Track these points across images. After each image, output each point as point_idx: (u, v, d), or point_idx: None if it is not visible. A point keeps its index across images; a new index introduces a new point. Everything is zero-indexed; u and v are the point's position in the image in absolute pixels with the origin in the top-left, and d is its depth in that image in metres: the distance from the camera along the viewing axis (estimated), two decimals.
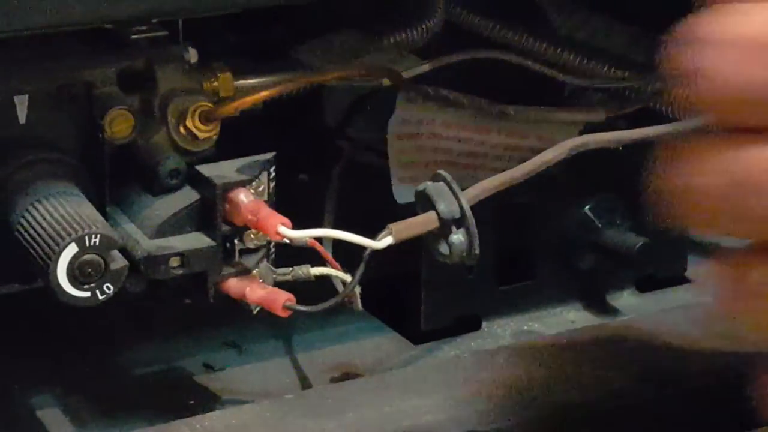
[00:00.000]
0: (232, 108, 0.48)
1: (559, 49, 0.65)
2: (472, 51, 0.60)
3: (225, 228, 0.47)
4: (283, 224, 0.45)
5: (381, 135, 0.58)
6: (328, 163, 0.60)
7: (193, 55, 0.51)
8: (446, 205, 0.44)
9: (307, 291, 0.48)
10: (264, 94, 0.48)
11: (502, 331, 0.59)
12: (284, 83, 0.50)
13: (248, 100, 0.48)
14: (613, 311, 0.61)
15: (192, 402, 0.52)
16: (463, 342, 0.58)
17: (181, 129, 0.48)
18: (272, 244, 0.49)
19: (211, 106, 0.48)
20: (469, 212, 0.44)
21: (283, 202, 0.49)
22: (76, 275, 0.44)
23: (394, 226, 0.44)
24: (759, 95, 0.36)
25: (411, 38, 0.64)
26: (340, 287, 0.47)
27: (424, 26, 0.64)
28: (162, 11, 0.47)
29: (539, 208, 0.60)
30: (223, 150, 0.50)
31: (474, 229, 0.44)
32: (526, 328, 0.60)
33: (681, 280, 0.63)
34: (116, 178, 0.48)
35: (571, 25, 0.69)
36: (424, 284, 0.57)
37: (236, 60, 0.54)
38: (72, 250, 0.44)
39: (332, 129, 0.61)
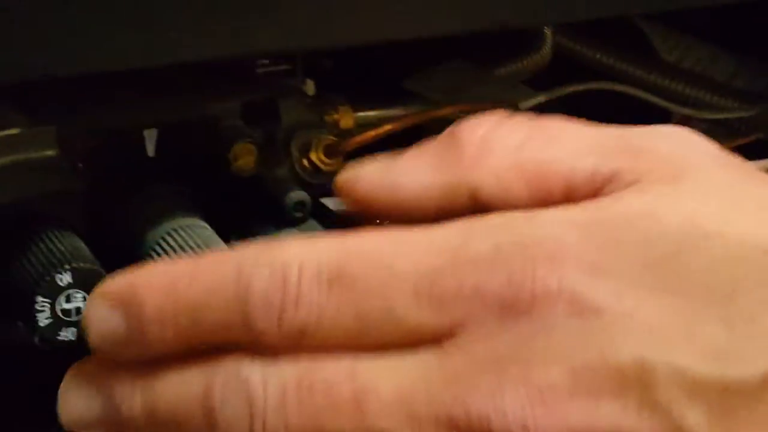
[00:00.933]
0: (355, 142, 0.49)
1: (666, 78, 0.65)
2: (586, 82, 0.60)
3: None
4: None
5: None
6: None
7: (310, 87, 0.52)
8: None
9: None
10: (387, 128, 0.49)
11: None
12: (408, 118, 0.50)
13: (371, 135, 0.49)
14: None
15: None
16: None
17: (305, 162, 0.49)
18: None
19: (335, 139, 0.49)
20: None
21: None
22: None
23: None
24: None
25: (520, 69, 0.64)
26: None
27: (533, 57, 0.64)
28: (289, 47, 0.47)
29: None
30: None
31: None
32: None
33: None
34: (240, 211, 0.49)
35: (677, 53, 0.69)
36: None
37: (349, 91, 0.55)
38: None
39: None
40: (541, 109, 0.59)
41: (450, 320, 0.36)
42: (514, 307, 0.35)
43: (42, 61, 0.42)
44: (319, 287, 0.36)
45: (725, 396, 0.35)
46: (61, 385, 0.41)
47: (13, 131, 0.45)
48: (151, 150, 0.48)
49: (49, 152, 0.46)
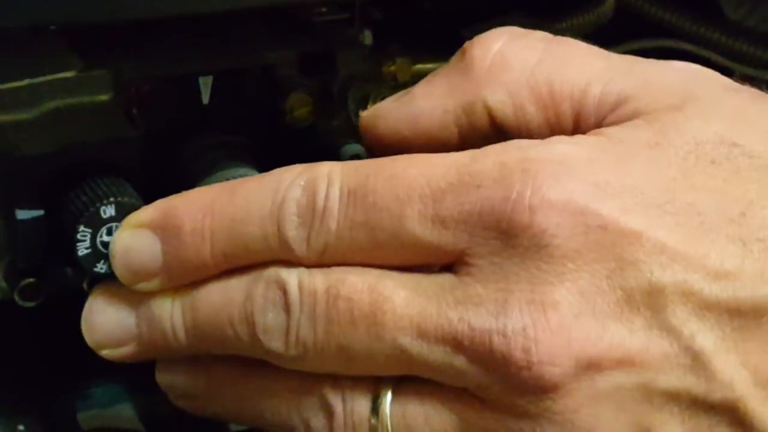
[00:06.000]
0: None
1: (729, 37, 0.64)
2: (648, 39, 0.59)
3: None
4: None
5: None
6: None
7: (367, 37, 0.51)
8: None
9: None
10: None
11: None
12: None
13: None
14: None
15: None
16: None
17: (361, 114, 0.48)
18: None
19: (393, 92, 0.48)
20: None
21: None
22: None
23: None
24: None
25: (581, 24, 0.63)
26: None
27: (594, 12, 0.63)
28: None
29: None
30: None
31: None
32: None
33: None
34: (295, 162, 0.48)
35: (742, 11, 0.67)
36: None
37: (404, 41, 0.54)
38: None
39: None
40: None
41: (454, 241, 0.36)
42: (512, 223, 0.35)
43: (96, 5, 0.42)
44: (340, 201, 0.37)
45: (738, 317, 0.34)
46: (86, 306, 0.41)
47: (68, 74, 0.45)
48: (205, 98, 0.47)
49: (104, 97, 0.45)
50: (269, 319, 0.37)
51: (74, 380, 0.50)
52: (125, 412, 0.49)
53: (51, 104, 0.44)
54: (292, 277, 0.37)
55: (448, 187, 0.36)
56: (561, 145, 0.36)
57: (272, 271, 0.38)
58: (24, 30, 0.44)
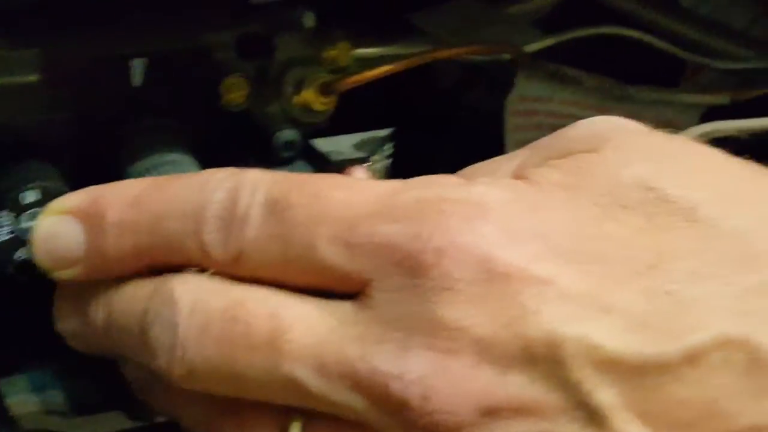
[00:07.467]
0: (351, 82, 0.47)
1: (681, 24, 0.64)
2: (596, 26, 0.58)
3: None
4: None
5: (497, 108, 0.57)
6: (442, 132, 0.59)
7: (309, 19, 0.50)
8: None
9: None
10: (385, 69, 0.47)
11: None
12: (408, 59, 0.48)
13: (369, 75, 0.47)
14: None
15: None
16: None
17: (297, 100, 0.47)
18: None
19: (330, 77, 0.47)
20: None
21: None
22: None
23: None
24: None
25: (531, 9, 0.62)
26: None
27: None
28: None
29: None
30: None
31: None
32: None
33: None
34: (229, 148, 0.47)
35: None
36: None
37: (350, 24, 0.53)
38: None
39: (445, 96, 0.60)
40: (550, 53, 0.58)
41: (359, 270, 0.35)
42: (418, 262, 0.34)
43: None
44: (261, 212, 0.36)
45: (641, 374, 0.33)
46: (54, 298, 0.41)
47: None
48: (138, 80, 0.46)
49: (32, 77, 0.44)
50: (156, 334, 0.36)
51: (1, 367, 0.49)
52: (55, 398, 0.48)
53: None
54: (187, 291, 0.36)
55: (364, 216, 0.35)
56: (480, 187, 0.35)
57: (169, 283, 0.37)
58: None
